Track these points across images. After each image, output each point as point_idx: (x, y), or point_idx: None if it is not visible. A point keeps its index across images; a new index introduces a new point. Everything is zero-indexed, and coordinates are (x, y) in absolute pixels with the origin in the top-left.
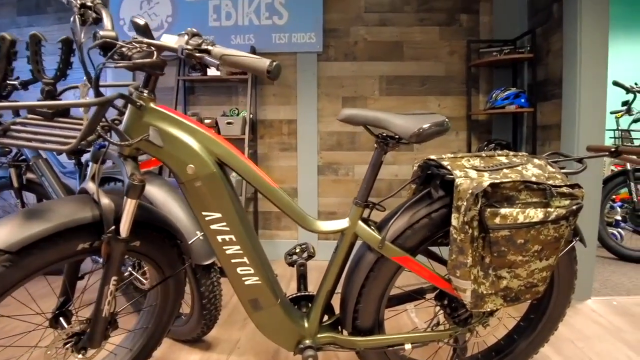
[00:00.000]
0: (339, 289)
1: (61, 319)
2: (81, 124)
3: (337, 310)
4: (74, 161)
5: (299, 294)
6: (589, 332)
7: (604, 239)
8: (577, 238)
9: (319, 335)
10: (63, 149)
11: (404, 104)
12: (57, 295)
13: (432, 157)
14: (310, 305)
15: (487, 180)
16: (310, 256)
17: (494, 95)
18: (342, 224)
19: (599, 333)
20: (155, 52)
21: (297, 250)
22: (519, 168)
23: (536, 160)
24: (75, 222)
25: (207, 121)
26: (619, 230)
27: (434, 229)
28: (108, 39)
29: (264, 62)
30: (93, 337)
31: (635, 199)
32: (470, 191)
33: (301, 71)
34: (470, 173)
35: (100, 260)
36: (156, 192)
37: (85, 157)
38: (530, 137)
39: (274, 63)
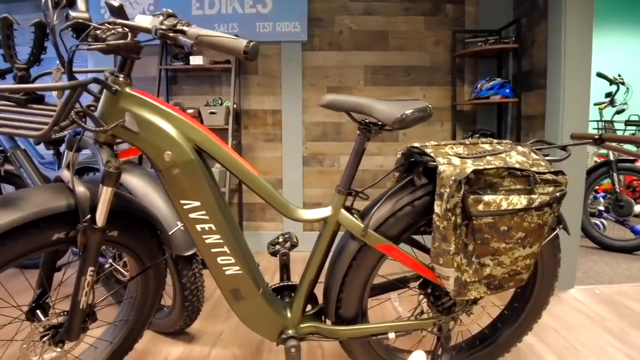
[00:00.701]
0: (322, 278)
1: (38, 311)
2: (55, 111)
3: (320, 300)
4: (52, 152)
5: (281, 284)
6: (572, 320)
7: (587, 229)
8: (561, 226)
9: (302, 325)
10: (36, 135)
11: (389, 94)
12: (33, 288)
13: (416, 144)
14: (293, 295)
15: (470, 167)
16: (294, 246)
17: (478, 85)
18: (325, 212)
19: (583, 322)
20: (129, 34)
21: (280, 240)
22: (503, 155)
23: (520, 148)
24: (49, 211)
25: (189, 111)
26: (602, 220)
27: (417, 217)
28: (81, 20)
29: (241, 43)
30: (70, 330)
31: (617, 190)
32: (453, 178)
33: (285, 61)
34: (453, 160)
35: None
36: (136, 182)
37: (64, 146)
38: (514, 128)
39: (251, 43)
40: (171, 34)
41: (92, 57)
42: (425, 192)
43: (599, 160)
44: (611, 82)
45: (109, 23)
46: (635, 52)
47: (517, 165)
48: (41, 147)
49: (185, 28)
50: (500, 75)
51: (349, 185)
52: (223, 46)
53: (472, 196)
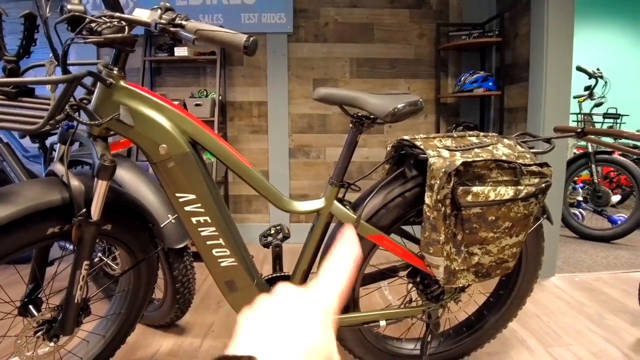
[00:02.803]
0: (315, 269)
1: (30, 306)
2: (47, 104)
3: None
4: (37, 145)
5: (274, 275)
6: (553, 307)
7: (567, 219)
8: (545, 215)
9: None
10: (30, 129)
11: (373, 86)
12: (25, 282)
13: (406, 137)
14: None
15: (459, 159)
16: (286, 237)
17: (462, 78)
18: (318, 204)
19: (563, 308)
20: (126, 28)
21: (272, 232)
22: (490, 148)
23: (506, 140)
24: (44, 205)
25: (174, 103)
26: (581, 210)
27: (408, 208)
28: (77, 13)
29: (241, 37)
30: (65, 324)
31: (595, 181)
32: (443, 170)
33: (271, 52)
34: (442, 153)
35: (69, 246)
36: (125, 175)
37: (50, 140)
38: (497, 120)
39: (251, 38)
40: (172, 29)
41: (74, 50)
42: (415, 183)
43: (577, 152)
44: (590, 75)
45: (107, 16)
46: (613, 46)
47: (504, 158)
48: (25, 141)
49: (184, 22)
50: (483, 68)
51: (341, 178)
52: (222, 41)
53: (461, 187)
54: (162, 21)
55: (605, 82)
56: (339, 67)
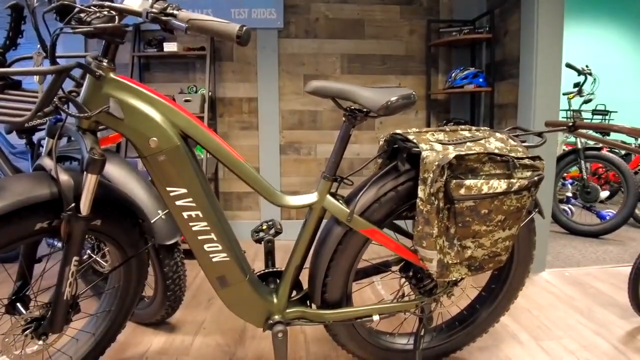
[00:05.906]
0: (307, 264)
1: (18, 304)
2: (35, 97)
3: (305, 286)
4: (24, 141)
5: (267, 271)
6: (543, 301)
7: (556, 215)
8: (537, 209)
9: (288, 311)
10: (17, 121)
11: (364, 82)
12: (13, 280)
13: (398, 131)
14: (278, 281)
15: (452, 152)
16: (278, 232)
17: (453, 74)
18: (311, 198)
19: (553, 302)
20: (117, 17)
21: (264, 227)
22: (482, 141)
23: (498, 134)
24: (32, 199)
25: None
26: (570, 206)
27: (400, 202)
28: (65, 2)
29: (234, 27)
30: (54, 322)
31: (585, 177)
32: (436, 163)
33: (261, 48)
34: (435, 146)
35: (57, 243)
36: (115, 171)
37: (38, 136)
38: (487, 116)
39: (244, 27)
40: (163, 18)
41: (61, 42)
42: (408, 177)
43: (567, 149)
44: (579, 72)
45: (96, 6)
46: (602, 43)
47: (496, 151)
48: (12, 137)
49: (176, 12)
50: (473, 64)
51: (334, 172)
52: (215, 30)
53: (454, 181)
54: (154, 10)
55: (594, 79)
56: (330, 63)
